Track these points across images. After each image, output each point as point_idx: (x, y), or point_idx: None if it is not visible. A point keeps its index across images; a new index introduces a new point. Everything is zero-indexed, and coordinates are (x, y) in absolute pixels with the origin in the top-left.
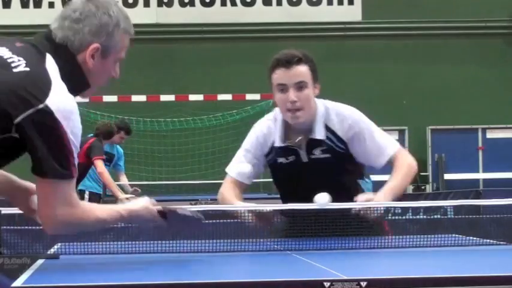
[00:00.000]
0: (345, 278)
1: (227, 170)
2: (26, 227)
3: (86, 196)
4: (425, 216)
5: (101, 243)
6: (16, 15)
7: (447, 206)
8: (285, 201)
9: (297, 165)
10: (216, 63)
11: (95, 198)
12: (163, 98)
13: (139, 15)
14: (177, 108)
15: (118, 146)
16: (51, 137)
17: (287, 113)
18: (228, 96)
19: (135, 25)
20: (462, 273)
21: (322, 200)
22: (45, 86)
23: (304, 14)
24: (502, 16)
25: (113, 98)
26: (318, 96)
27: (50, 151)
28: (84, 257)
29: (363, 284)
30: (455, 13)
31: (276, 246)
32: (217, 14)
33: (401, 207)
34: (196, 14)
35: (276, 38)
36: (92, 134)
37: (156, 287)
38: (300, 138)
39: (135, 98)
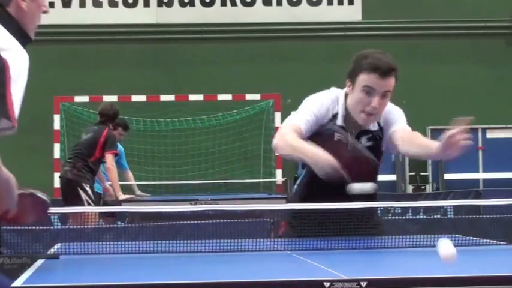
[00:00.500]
0: (345, 278)
1: (289, 119)
2: (26, 227)
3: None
4: (425, 216)
5: (101, 243)
6: None
7: (447, 206)
8: (313, 185)
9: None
10: (216, 63)
11: (96, 197)
12: (163, 98)
13: (139, 15)
14: (177, 108)
15: (118, 144)
16: None
17: (361, 114)
18: (228, 96)
19: (135, 25)
20: (462, 273)
21: (365, 186)
22: None
23: (304, 14)
24: (502, 16)
25: (113, 98)
26: None
27: None
28: (84, 257)
29: (363, 284)
30: (455, 13)
31: (276, 246)
32: (217, 14)
33: (401, 207)
34: (196, 14)
35: (276, 38)
36: (97, 123)
37: (156, 287)
38: (355, 124)
39: (135, 98)
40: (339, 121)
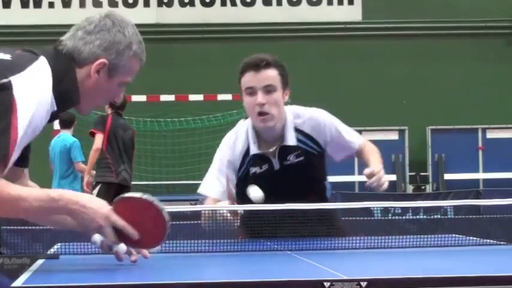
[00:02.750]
0: (345, 278)
1: (201, 191)
2: (26, 227)
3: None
4: (425, 216)
5: None
6: (16, 15)
7: (447, 206)
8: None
9: (270, 173)
10: (216, 63)
11: None
12: (163, 98)
13: (139, 15)
14: (177, 108)
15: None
16: (0, 111)
17: (257, 117)
18: (228, 96)
19: (135, 25)
20: (462, 273)
21: (256, 194)
22: (16, 69)
23: (304, 14)
24: (502, 16)
25: None
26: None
27: None
28: (84, 257)
29: (363, 284)
30: (455, 13)
31: (276, 246)
32: (217, 14)
33: (401, 207)
34: (196, 14)
35: (276, 38)
36: (120, 114)
37: (156, 287)
38: (274, 147)
39: (135, 98)
40: (253, 150)
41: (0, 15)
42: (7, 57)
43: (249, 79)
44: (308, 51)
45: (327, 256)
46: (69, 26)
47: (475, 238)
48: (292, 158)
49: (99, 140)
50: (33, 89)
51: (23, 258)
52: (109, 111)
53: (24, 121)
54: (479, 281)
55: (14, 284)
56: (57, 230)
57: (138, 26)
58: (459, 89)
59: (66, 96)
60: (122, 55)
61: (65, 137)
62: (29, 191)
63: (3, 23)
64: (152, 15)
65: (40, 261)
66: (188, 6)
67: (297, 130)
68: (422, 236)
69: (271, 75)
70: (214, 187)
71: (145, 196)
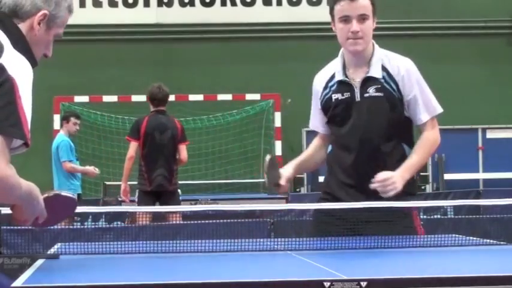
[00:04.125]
0: (345, 278)
1: (312, 126)
2: (26, 227)
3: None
4: (425, 216)
5: (101, 243)
6: None
7: (447, 206)
8: (337, 152)
9: (351, 102)
10: (216, 63)
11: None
12: None
13: (139, 15)
14: (177, 108)
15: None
16: (4, 93)
17: (347, 41)
18: (228, 96)
19: (135, 25)
20: (462, 273)
21: None
22: None
23: (304, 14)
24: (502, 16)
25: (113, 98)
26: None
27: (3, 107)
28: (84, 257)
29: (363, 284)
30: (455, 13)
31: (276, 246)
32: (217, 14)
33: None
34: (196, 14)
35: (276, 38)
36: (162, 112)
37: (156, 287)
38: (357, 75)
39: (135, 98)
40: (338, 76)
41: None
42: None
43: (344, 8)
44: (308, 51)
45: (327, 256)
46: (69, 26)
47: (475, 238)
48: (371, 91)
49: (131, 148)
50: (21, 63)
51: (23, 258)
52: (151, 108)
53: (26, 96)
54: (479, 281)
55: (14, 284)
56: (57, 230)
57: (138, 26)
58: (459, 89)
59: (25, 57)
60: (60, 6)
61: (58, 137)
62: (23, 181)
63: None
64: (152, 15)
65: (40, 261)
66: (188, 6)
67: (383, 68)
68: (422, 236)
69: (365, 4)
70: (317, 120)
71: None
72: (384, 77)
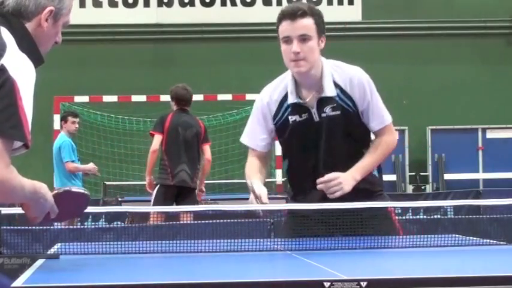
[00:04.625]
0: (345, 278)
1: (243, 140)
2: (26, 227)
3: None
4: (425, 216)
5: (101, 243)
6: None
7: (447, 206)
8: (293, 171)
9: (310, 124)
10: (216, 63)
11: None
12: (163, 98)
13: (139, 15)
14: None
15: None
16: (5, 95)
17: (290, 63)
18: (228, 96)
19: (135, 25)
20: (462, 273)
21: None
22: (0, 48)
23: None
24: (502, 16)
25: (113, 98)
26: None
27: (5, 109)
28: (84, 257)
29: (363, 284)
30: (455, 13)
31: (276, 246)
32: (217, 14)
33: (401, 207)
34: (196, 14)
35: (276, 38)
36: (185, 111)
37: (156, 287)
38: (311, 96)
39: (135, 98)
40: (291, 99)
41: None
42: None
43: (285, 28)
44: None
45: (327, 256)
46: (69, 26)
47: (475, 238)
48: (328, 110)
49: (155, 141)
50: (23, 64)
51: (23, 258)
52: (174, 107)
53: (28, 97)
54: (479, 281)
55: (14, 284)
56: (57, 230)
57: (138, 26)
58: (459, 89)
59: (31, 57)
60: None
61: (59, 138)
62: (26, 181)
63: None
64: (152, 15)
65: (40, 261)
66: (188, 6)
67: (336, 85)
68: (422, 236)
69: (306, 24)
70: (257, 137)
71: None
72: (338, 95)
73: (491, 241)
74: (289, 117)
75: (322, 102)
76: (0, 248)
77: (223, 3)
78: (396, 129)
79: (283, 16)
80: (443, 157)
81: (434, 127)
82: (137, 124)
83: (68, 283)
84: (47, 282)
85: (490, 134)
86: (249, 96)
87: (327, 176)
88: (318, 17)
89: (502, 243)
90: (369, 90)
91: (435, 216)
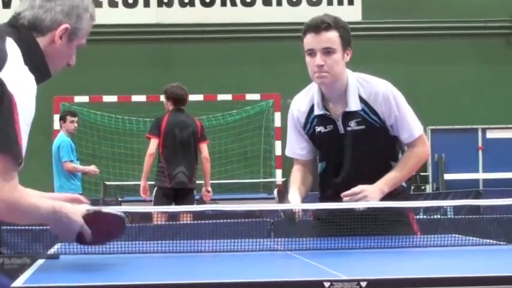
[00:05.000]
0: (345, 278)
1: (288, 154)
2: (26, 227)
3: None
4: (425, 216)
5: None
6: None
7: (447, 206)
8: (328, 175)
9: (335, 135)
10: (216, 63)
11: None
12: (164, 98)
13: (139, 15)
14: None
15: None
16: (2, 110)
17: (314, 75)
18: (228, 96)
19: (135, 25)
20: (462, 273)
21: None
22: (0, 61)
23: (304, 14)
24: (502, 16)
25: (113, 98)
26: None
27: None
28: (84, 257)
29: (363, 284)
30: (455, 13)
31: (276, 246)
32: (217, 14)
33: (401, 207)
34: (196, 14)
35: (276, 38)
36: (181, 110)
37: (156, 287)
38: (336, 109)
39: (135, 98)
40: (317, 111)
41: (0, 16)
42: None
43: (309, 41)
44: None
45: (327, 256)
46: None
47: (475, 238)
48: (353, 125)
49: (152, 145)
50: (22, 78)
51: (23, 258)
52: (170, 107)
53: (25, 113)
54: (479, 281)
55: (14, 284)
56: None
57: (138, 26)
58: (459, 89)
59: (37, 72)
60: (82, 18)
61: (58, 137)
62: (40, 201)
63: (3, 22)
64: (152, 15)
65: (40, 261)
66: (188, 6)
67: (361, 99)
68: (422, 236)
69: (330, 37)
70: (297, 147)
71: (104, 210)
72: (363, 109)
73: (491, 241)
74: (316, 127)
75: (347, 115)
76: (0, 248)
77: (223, 3)
78: None
79: (308, 29)
80: (443, 157)
81: (434, 127)
82: (137, 124)
83: (68, 283)
84: (47, 282)
85: (490, 134)
86: (249, 96)
87: (353, 189)
88: (343, 30)
89: (502, 243)
90: (395, 104)
91: (435, 216)
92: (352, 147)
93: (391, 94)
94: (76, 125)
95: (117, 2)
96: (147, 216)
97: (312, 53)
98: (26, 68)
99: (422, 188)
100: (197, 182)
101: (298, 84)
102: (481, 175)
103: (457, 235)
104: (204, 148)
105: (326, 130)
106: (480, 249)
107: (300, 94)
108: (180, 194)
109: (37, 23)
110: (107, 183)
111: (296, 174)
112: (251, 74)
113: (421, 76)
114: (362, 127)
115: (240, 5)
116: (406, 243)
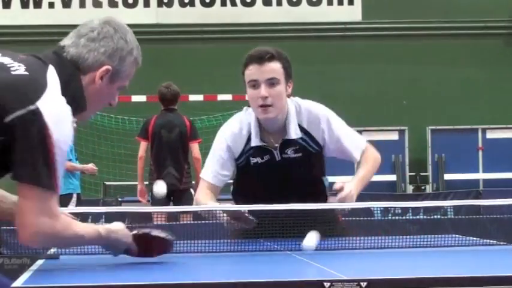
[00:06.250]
0: (345, 278)
1: (201, 175)
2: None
3: (74, 199)
4: (425, 216)
5: None
6: (16, 15)
7: (447, 206)
8: (245, 201)
9: (271, 164)
10: (216, 63)
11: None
12: None
13: (139, 15)
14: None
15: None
16: (37, 142)
17: (258, 109)
18: (228, 96)
19: (135, 25)
20: (462, 273)
21: (310, 243)
22: (39, 89)
23: (304, 14)
24: (502, 16)
25: None
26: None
27: (34, 155)
28: (84, 257)
29: (363, 284)
30: (455, 13)
31: (276, 246)
32: (217, 14)
33: (401, 207)
34: (196, 14)
35: (276, 38)
36: (171, 110)
37: (156, 287)
38: (276, 141)
39: (135, 98)
40: (254, 141)
41: (0, 15)
42: (21, 70)
43: (252, 72)
44: (308, 51)
45: (327, 256)
46: (69, 26)
47: (475, 238)
48: (290, 152)
49: (141, 148)
50: (59, 108)
51: (23, 258)
52: (161, 107)
53: (61, 143)
54: (479, 281)
55: (14, 284)
56: None
57: (138, 26)
58: (459, 89)
59: (74, 103)
60: (124, 61)
61: None
62: (84, 229)
63: (3, 23)
64: (152, 15)
65: (40, 261)
66: (188, 6)
67: (300, 128)
68: (422, 236)
69: (274, 68)
70: (219, 174)
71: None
72: (302, 137)
73: (491, 241)
74: (251, 159)
75: (285, 144)
76: (0, 248)
77: (223, 3)
78: (396, 129)
79: (251, 60)
80: (443, 157)
81: (434, 127)
82: (137, 124)
83: (68, 283)
84: (47, 282)
85: (490, 134)
86: None
87: (344, 192)
88: (285, 61)
89: (502, 243)
90: (337, 128)
91: (435, 216)
92: (287, 173)
93: (331, 118)
94: (75, 125)
95: (117, 2)
96: (147, 216)
97: (255, 84)
98: (64, 99)
99: (422, 188)
100: (193, 182)
101: (297, 84)
102: (481, 175)
103: (457, 235)
104: (194, 147)
105: (263, 160)
106: (480, 249)
107: (233, 124)
108: (173, 195)
109: (79, 61)
110: (107, 183)
111: (208, 195)
112: None
113: (421, 76)
114: (299, 154)
115: (240, 5)
116: (406, 243)
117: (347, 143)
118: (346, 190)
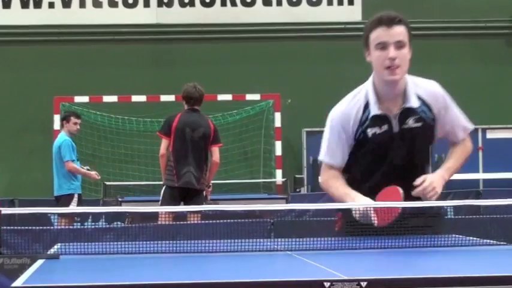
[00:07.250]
0: (345, 278)
1: (321, 158)
2: (26, 227)
3: (75, 199)
4: None
5: (101, 243)
6: (16, 15)
7: (447, 206)
8: (363, 179)
9: (388, 135)
10: (216, 63)
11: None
12: (163, 98)
13: (139, 15)
14: (178, 108)
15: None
16: None
17: (385, 70)
18: (228, 96)
19: (135, 25)
20: (462, 273)
21: None
22: None
23: (304, 14)
24: (502, 16)
25: (113, 98)
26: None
27: None
28: (84, 257)
29: (363, 284)
30: (455, 13)
31: (276, 246)
32: (217, 14)
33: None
34: (196, 14)
35: (276, 38)
36: (195, 110)
37: (156, 287)
38: (397, 109)
39: (135, 98)
40: (373, 110)
41: (0, 15)
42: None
43: (381, 34)
44: (308, 51)
45: (327, 256)
46: (69, 26)
47: (475, 238)
48: (411, 122)
49: (162, 145)
50: None
51: (23, 258)
52: (185, 107)
53: None
54: (479, 281)
55: (14, 284)
56: (57, 230)
57: (138, 26)
58: (459, 89)
59: None
60: None
61: (59, 137)
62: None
63: (3, 23)
64: (152, 15)
65: (40, 261)
66: (188, 7)
67: (418, 97)
68: (422, 236)
69: (402, 31)
70: (339, 155)
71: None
72: (420, 107)
73: (491, 241)
74: (368, 130)
75: (405, 113)
76: (0, 248)
77: (223, 3)
78: None
79: (380, 22)
80: (443, 157)
81: None
82: (137, 124)
83: (68, 283)
84: (47, 282)
85: (490, 134)
86: (249, 96)
87: (424, 184)
88: (409, 27)
89: (502, 243)
90: (449, 102)
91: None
92: (407, 146)
93: (443, 92)
94: (79, 126)
95: (117, 2)
96: (147, 216)
97: (383, 46)
98: None
99: None
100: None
101: (298, 84)
102: (481, 175)
103: (457, 235)
104: (216, 152)
105: (381, 131)
106: (480, 249)
107: (343, 103)
108: (188, 194)
109: None
110: (107, 183)
111: (340, 180)
112: (251, 74)
113: (421, 76)
114: (419, 124)
115: (240, 5)
116: (406, 243)
117: (459, 121)
118: (425, 184)
